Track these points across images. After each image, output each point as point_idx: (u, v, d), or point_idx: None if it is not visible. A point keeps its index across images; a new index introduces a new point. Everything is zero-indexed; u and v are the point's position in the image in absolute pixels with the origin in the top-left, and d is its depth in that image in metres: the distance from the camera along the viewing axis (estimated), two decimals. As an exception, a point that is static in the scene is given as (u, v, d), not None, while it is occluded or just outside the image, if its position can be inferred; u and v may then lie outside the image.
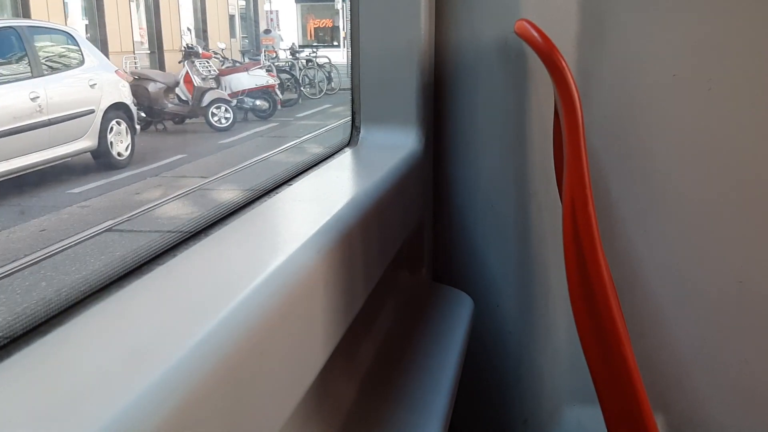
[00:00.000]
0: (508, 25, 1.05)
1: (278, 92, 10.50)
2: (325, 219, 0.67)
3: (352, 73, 1.10)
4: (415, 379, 0.87)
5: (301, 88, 12.72)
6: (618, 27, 1.05)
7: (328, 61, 13.94)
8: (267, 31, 15.46)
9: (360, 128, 1.10)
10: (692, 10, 1.03)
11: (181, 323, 0.46)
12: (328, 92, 13.48)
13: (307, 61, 13.49)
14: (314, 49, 14.10)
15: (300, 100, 12.22)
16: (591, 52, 1.06)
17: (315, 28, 27.84)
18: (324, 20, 27.33)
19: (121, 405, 0.36)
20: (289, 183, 0.85)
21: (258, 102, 10.24)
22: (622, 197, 1.10)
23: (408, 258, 1.11)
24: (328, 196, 0.84)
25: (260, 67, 11.00)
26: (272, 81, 10.53)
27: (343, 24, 25.99)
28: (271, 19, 18.00)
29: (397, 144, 1.05)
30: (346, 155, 1.05)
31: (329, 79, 13.61)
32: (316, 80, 13.19)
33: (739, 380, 1.14)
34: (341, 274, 0.66)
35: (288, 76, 12.43)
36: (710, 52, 1.04)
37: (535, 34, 0.69)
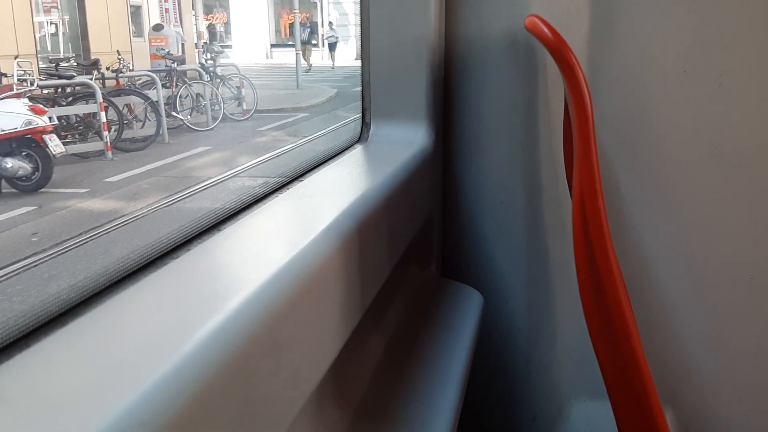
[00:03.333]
0: (518, 20, 1.06)
1: (51, 141, 5.82)
2: (336, 214, 0.68)
3: (362, 70, 1.10)
4: (425, 374, 0.88)
5: (178, 114, 8.76)
6: (628, 22, 1.06)
7: (236, 71, 10.32)
8: (157, 27, 11.22)
9: (370, 125, 1.10)
10: (703, 6, 1.04)
11: (195, 316, 0.46)
12: (235, 118, 9.75)
13: (203, 73, 9.70)
14: (211, 55, 10.66)
15: (166, 137, 8.07)
16: (601, 47, 1.07)
17: (290, 24, 24.41)
18: (300, 14, 24.20)
19: (136, 395, 0.36)
20: (300, 179, 0.85)
21: (8, 163, 5.55)
22: (632, 192, 1.11)
23: (417, 253, 1.11)
24: (338, 191, 0.84)
25: (13, 95, 6.02)
26: (38, 121, 5.81)
27: (322, 18, 23.66)
28: (167, 10, 13.00)
29: (407, 140, 1.06)
30: (357, 151, 1.05)
31: (238, 99, 9.95)
32: (206, 102, 9.23)
33: (749, 375, 1.15)
34: (351, 269, 0.67)
35: (139, 100, 8.12)
36: (720, 48, 1.04)
37: (546, 30, 0.70)
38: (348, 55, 22.83)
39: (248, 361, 0.45)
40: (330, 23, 23.01)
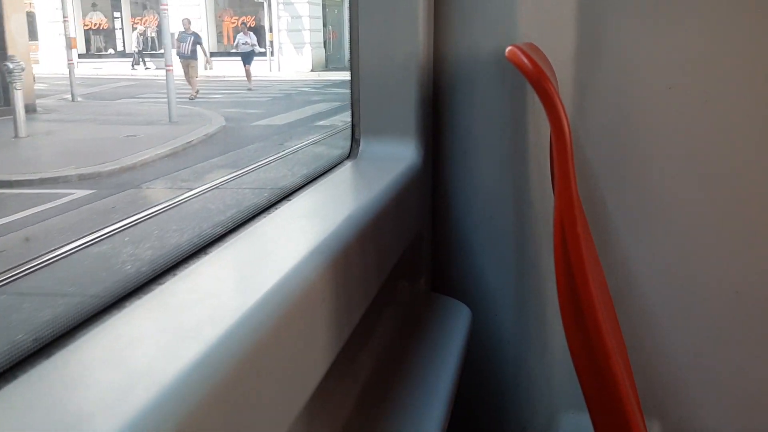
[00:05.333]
0: (505, 38, 1.09)
1: None
2: (323, 236, 0.68)
3: (351, 87, 1.11)
4: (413, 390, 0.89)
5: None
6: (614, 39, 1.08)
7: None
8: None
9: (360, 141, 1.11)
10: (688, 24, 1.06)
11: (180, 343, 0.47)
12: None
13: None
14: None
15: None
16: (588, 64, 1.09)
17: (234, 29, 19.66)
18: (244, 17, 19.84)
19: (121, 425, 0.37)
20: (289, 198, 0.85)
21: None
22: (618, 208, 1.13)
23: (407, 269, 1.12)
24: (326, 211, 0.85)
25: None
26: None
27: (270, 22, 19.02)
28: None
29: (397, 156, 1.07)
30: (346, 168, 1.06)
31: None
32: None
33: (736, 389, 1.17)
34: (338, 290, 0.67)
35: None
36: (705, 65, 1.06)
37: (525, 60, 0.71)
38: (302, 66, 18.85)
39: (233, 390, 0.46)
40: (244, 24, 18.21)
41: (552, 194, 1.11)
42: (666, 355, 1.18)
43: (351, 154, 1.11)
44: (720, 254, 1.13)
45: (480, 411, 1.23)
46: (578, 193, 0.82)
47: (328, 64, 20.12)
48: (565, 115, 0.73)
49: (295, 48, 19.07)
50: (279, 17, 19.39)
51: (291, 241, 0.73)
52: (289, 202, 0.83)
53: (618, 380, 0.73)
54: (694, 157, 1.10)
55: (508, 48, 0.75)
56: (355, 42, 1.08)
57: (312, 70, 18.85)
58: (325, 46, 20.50)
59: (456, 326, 1.09)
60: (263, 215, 0.77)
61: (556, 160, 0.79)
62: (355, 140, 1.11)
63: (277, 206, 0.81)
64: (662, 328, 1.17)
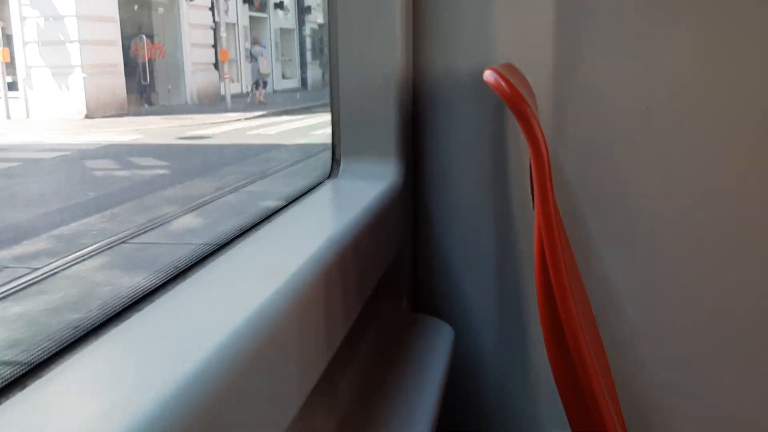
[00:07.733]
0: (484, 58, 1.10)
1: None
2: (303, 259, 0.68)
3: (331, 107, 1.11)
4: (396, 411, 0.88)
5: None
6: (592, 59, 1.09)
7: None
8: None
9: (340, 161, 1.11)
10: (664, 45, 1.08)
11: (157, 372, 0.46)
12: None
13: None
14: None
15: None
16: (566, 83, 1.10)
17: None
18: None
19: None
20: (270, 220, 0.86)
21: None
22: (599, 226, 1.14)
23: (388, 289, 1.11)
24: (306, 233, 0.84)
25: None
26: None
27: (2, 29, 7.31)
28: None
29: (377, 176, 1.07)
30: (327, 188, 1.06)
31: None
32: None
33: (716, 404, 1.18)
34: (318, 313, 0.67)
35: None
36: (682, 85, 1.08)
37: (502, 83, 0.72)
38: (71, 108, 8.70)
39: (213, 417, 0.45)
40: None
41: (533, 212, 1.13)
42: (649, 372, 1.19)
43: (331, 174, 1.11)
44: (701, 271, 1.14)
45: (464, 430, 1.23)
46: (558, 212, 0.82)
47: (144, 102, 10.85)
48: (543, 137, 0.74)
49: (54, 76, 9.20)
50: (23, 18, 8.99)
51: (271, 263, 0.73)
52: (270, 224, 0.84)
53: (599, 399, 0.73)
54: (673, 175, 1.11)
55: (486, 71, 0.75)
56: (335, 62, 1.09)
57: (87, 117, 9.05)
58: (135, 72, 10.58)
59: (438, 345, 1.09)
60: (243, 237, 0.77)
61: (535, 181, 0.79)
62: (335, 160, 1.12)
63: (258, 227, 0.81)
64: (645, 346, 1.18)
